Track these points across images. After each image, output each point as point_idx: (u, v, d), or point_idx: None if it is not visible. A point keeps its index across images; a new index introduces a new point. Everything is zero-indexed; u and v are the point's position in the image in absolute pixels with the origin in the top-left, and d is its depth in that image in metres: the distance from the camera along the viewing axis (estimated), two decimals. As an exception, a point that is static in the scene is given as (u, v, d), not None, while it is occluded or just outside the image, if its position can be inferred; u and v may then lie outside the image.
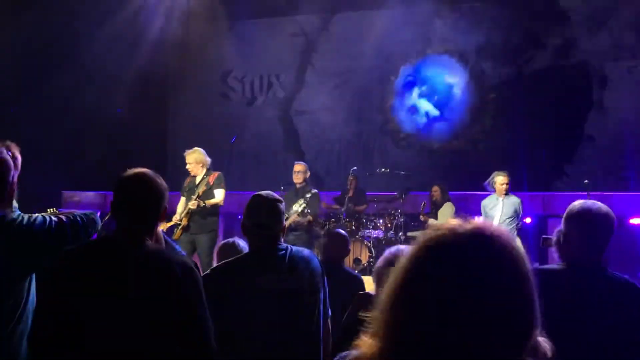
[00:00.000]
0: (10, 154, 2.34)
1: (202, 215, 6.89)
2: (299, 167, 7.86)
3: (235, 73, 12.10)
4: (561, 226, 2.50)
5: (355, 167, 8.80)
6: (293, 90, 11.80)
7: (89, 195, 10.04)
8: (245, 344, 2.69)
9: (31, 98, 9.42)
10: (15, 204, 6.70)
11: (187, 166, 7.10)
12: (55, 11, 9.40)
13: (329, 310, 2.98)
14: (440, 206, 8.33)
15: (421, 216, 8.34)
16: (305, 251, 2.95)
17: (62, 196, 10.15)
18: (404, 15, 10.88)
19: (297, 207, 7.05)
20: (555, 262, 2.55)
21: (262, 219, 2.81)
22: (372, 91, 11.30)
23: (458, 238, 1.06)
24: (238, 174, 10.30)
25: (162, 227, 3.00)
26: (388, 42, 11.04)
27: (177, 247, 2.76)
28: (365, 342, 1.12)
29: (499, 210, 7.23)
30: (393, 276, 1.11)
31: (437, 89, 10.97)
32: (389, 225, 8.57)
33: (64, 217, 2.37)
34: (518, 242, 1.17)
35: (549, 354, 1.07)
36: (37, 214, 2.37)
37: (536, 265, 2.56)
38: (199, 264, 6.39)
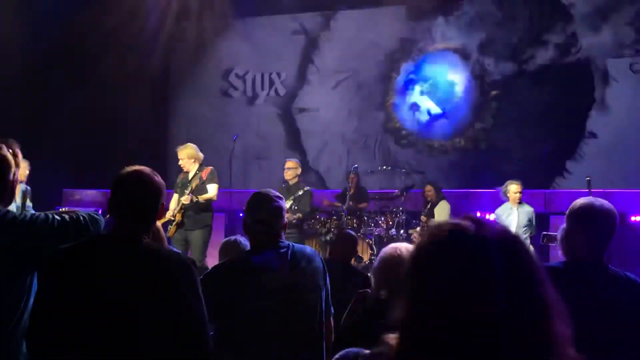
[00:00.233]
0: (11, 151, 2.34)
1: (196, 210, 6.84)
2: (289, 164, 7.82)
3: (236, 71, 12.09)
4: (564, 223, 2.50)
5: (356, 165, 8.79)
6: (294, 88, 11.79)
7: (90, 194, 10.04)
8: (247, 341, 2.69)
9: (32, 97, 9.42)
10: (29, 203, 6.70)
11: (180, 162, 7.06)
12: (54, 11, 9.39)
13: (332, 308, 2.98)
14: (435, 205, 8.26)
15: (422, 217, 8.27)
16: (307, 248, 2.95)
17: (63, 194, 10.16)
18: (405, 13, 10.87)
19: (286, 205, 7.03)
20: (558, 260, 2.55)
21: (263, 216, 2.81)
22: (373, 89, 11.29)
23: (464, 236, 1.06)
24: (239, 171, 10.31)
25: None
26: (389, 39, 11.04)
27: (173, 248, 2.77)
28: (386, 340, 1.11)
29: (514, 219, 7.17)
30: (404, 273, 1.10)
31: (439, 87, 10.96)
32: (391, 222, 8.57)
33: (66, 216, 2.36)
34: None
35: None
36: (39, 212, 2.36)
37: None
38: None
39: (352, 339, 2.57)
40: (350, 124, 11.32)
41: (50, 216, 2.32)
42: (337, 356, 1.26)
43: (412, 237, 8.18)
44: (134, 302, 2.03)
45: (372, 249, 8.32)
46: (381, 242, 8.36)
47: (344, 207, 8.41)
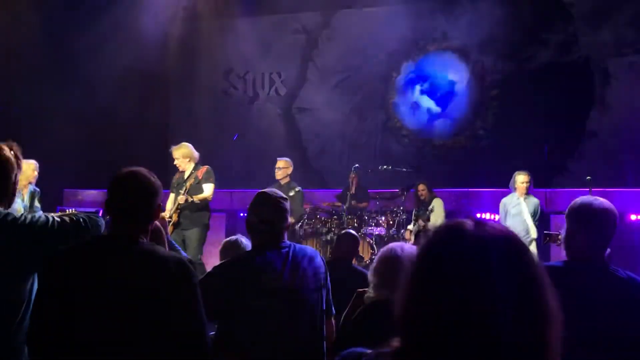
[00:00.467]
0: (12, 152, 2.34)
1: (192, 210, 6.79)
2: (280, 163, 7.70)
3: (237, 71, 12.10)
4: (565, 222, 2.50)
5: (357, 164, 8.79)
6: (295, 88, 11.80)
7: (91, 194, 10.05)
8: (248, 341, 2.70)
9: (32, 98, 9.42)
10: (37, 204, 6.69)
11: (175, 162, 7.02)
12: (55, 10, 9.40)
13: (333, 308, 2.99)
14: (428, 204, 8.16)
15: (420, 221, 8.10)
16: (308, 248, 2.96)
17: (64, 194, 10.17)
18: (406, 12, 10.87)
19: None
20: (559, 259, 2.55)
21: (267, 216, 2.82)
22: (373, 88, 11.29)
23: (463, 235, 1.06)
24: (240, 171, 10.31)
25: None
26: (390, 38, 11.03)
27: (176, 245, 2.77)
28: (389, 341, 1.11)
29: (524, 209, 7.17)
30: (405, 274, 1.11)
31: (439, 86, 10.96)
32: (391, 222, 8.56)
33: (66, 218, 2.37)
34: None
35: None
36: (40, 214, 2.37)
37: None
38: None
39: (352, 338, 2.58)
40: (351, 124, 11.32)
41: (51, 218, 2.33)
42: (340, 356, 1.26)
43: (404, 236, 8.14)
44: (132, 302, 2.04)
45: (372, 248, 8.32)
46: (382, 241, 8.35)
47: (345, 207, 8.41)
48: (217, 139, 10.86)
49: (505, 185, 7.61)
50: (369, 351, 1.19)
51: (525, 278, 1.04)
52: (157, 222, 2.34)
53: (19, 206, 6.45)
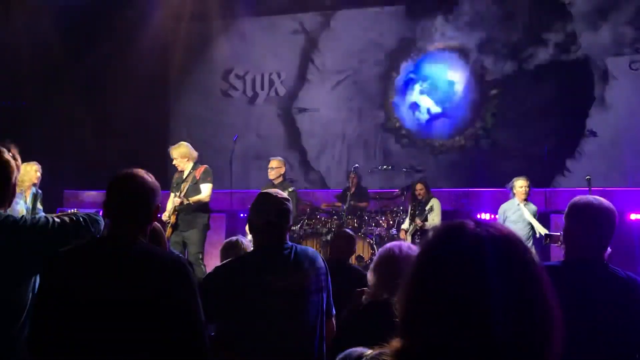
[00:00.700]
0: (11, 154, 2.35)
1: (191, 211, 6.67)
2: (273, 162, 7.56)
3: (236, 71, 12.09)
4: (563, 221, 2.50)
5: (357, 164, 8.79)
6: (294, 88, 11.80)
7: (91, 195, 10.05)
8: (249, 342, 2.70)
9: (33, 99, 9.43)
10: (39, 206, 6.68)
11: (174, 161, 6.92)
12: (55, 13, 9.40)
13: (333, 309, 2.99)
14: (425, 204, 7.99)
15: (417, 220, 7.98)
16: (309, 249, 2.96)
17: (64, 195, 10.17)
18: (405, 12, 10.87)
19: None
20: (559, 259, 2.55)
21: (272, 217, 2.81)
22: (373, 88, 11.29)
23: (461, 233, 1.07)
24: (240, 172, 10.30)
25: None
26: (389, 38, 11.04)
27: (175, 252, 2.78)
28: (388, 341, 1.12)
29: (526, 214, 7.16)
30: (405, 274, 1.11)
31: (439, 86, 10.96)
32: (391, 222, 8.56)
33: (66, 218, 2.37)
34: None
35: None
36: (40, 216, 2.38)
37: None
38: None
39: (351, 338, 2.58)
40: (351, 124, 11.33)
41: (51, 220, 2.33)
42: (340, 356, 1.27)
43: (399, 236, 8.09)
44: (131, 303, 2.04)
45: (372, 248, 8.32)
46: (382, 241, 8.35)
47: (345, 207, 8.41)
48: (216, 139, 10.86)
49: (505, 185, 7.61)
50: (368, 351, 1.19)
51: (525, 277, 1.05)
52: (156, 223, 2.34)
53: (21, 208, 6.44)
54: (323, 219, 8.75)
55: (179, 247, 6.62)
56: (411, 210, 8.12)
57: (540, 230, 7.08)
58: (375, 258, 2.86)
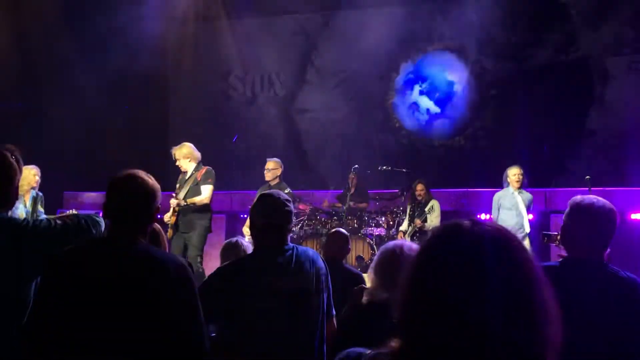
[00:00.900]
0: (14, 157, 2.36)
1: (192, 212, 6.60)
2: (269, 164, 7.53)
3: (236, 72, 12.09)
4: (563, 221, 2.49)
5: (356, 165, 8.78)
6: (294, 89, 11.80)
7: (91, 196, 10.04)
8: (250, 343, 2.70)
9: (32, 100, 9.43)
10: (41, 209, 6.67)
11: (176, 162, 6.87)
12: (54, 14, 9.40)
13: (333, 310, 2.99)
14: (425, 204, 7.90)
15: (417, 220, 7.91)
16: (310, 250, 2.96)
17: (64, 197, 10.17)
18: (404, 12, 10.87)
19: None
20: (555, 259, 2.55)
21: (276, 220, 2.82)
22: (373, 89, 11.29)
23: (473, 236, 1.07)
24: (240, 173, 10.31)
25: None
26: (388, 39, 11.04)
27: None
28: (387, 341, 1.12)
29: (521, 204, 7.17)
30: (404, 275, 1.11)
31: (438, 86, 10.97)
32: (391, 222, 8.56)
33: (67, 220, 2.38)
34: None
35: None
36: (42, 218, 2.39)
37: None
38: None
39: (351, 338, 2.58)
40: (350, 124, 11.32)
41: (52, 222, 2.34)
42: (339, 356, 1.27)
43: (397, 237, 8.07)
44: (130, 304, 2.05)
45: (372, 249, 8.32)
46: (382, 242, 8.34)
47: (345, 208, 8.41)
48: (216, 140, 10.86)
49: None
50: (367, 351, 1.19)
51: (522, 276, 1.05)
52: (156, 224, 2.34)
53: (21, 212, 6.43)
54: (323, 219, 8.75)
55: (181, 247, 6.56)
56: (410, 211, 8.10)
57: (526, 226, 7.09)
58: (375, 258, 2.85)
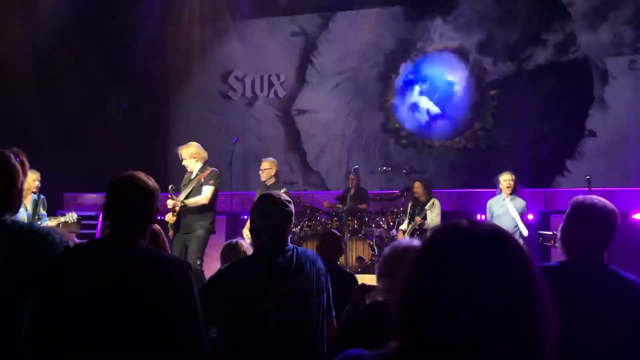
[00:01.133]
0: (19, 160, 2.35)
1: (191, 213, 6.49)
2: (264, 164, 7.47)
3: (235, 73, 12.10)
4: (563, 221, 2.49)
5: (356, 166, 8.78)
6: (294, 90, 11.80)
7: (91, 197, 10.05)
8: (251, 344, 2.70)
9: (33, 100, 9.43)
10: (43, 211, 6.64)
11: (182, 162, 6.77)
12: (54, 15, 9.40)
13: (333, 310, 2.98)
14: (425, 203, 7.83)
15: (417, 218, 7.83)
16: (309, 251, 2.95)
17: (64, 198, 10.16)
18: (404, 13, 10.88)
19: None
20: (558, 259, 2.54)
21: (277, 221, 2.81)
22: (372, 89, 11.30)
23: (470, 235, 1.07)
24: (240, 174, 10.31)
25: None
26: (388, 40, 11.05)
27: None
28: (388, 343, 1.12)
29: (512, 210, 7.16)
30: (404, 276, 1.11)
31: (438, 87, 10.97)
32: (391, 223, 8.56)
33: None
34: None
35: None
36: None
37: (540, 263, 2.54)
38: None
39: (352, 338, 2.56)
40: (350, 125, 11.33)
41: (57, 237, 2.34)
42: (338, 357, 1.26)
43: (397, 236, 8.07)
44: (130, 305, 2.05)
45: (373, 249, 8.32)
46: (382, 242, 8.35)
47: (345, 208, 8.41)
48: (216, 141, 10.86)
49: None
50: (366, 352, 1.19)
51: (520, 275, 1.05)
52: (156, 225, 2.34)
53: (22, 215, 6.43)
54: (323, 220, 8.75)
55: (180, 252, 6.44)
56: (410, 209, 8.09)
57: (523, 229, 7.08)
58: (385, 257, 2.72)
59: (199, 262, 6.38)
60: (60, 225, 6.35)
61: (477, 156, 10.39)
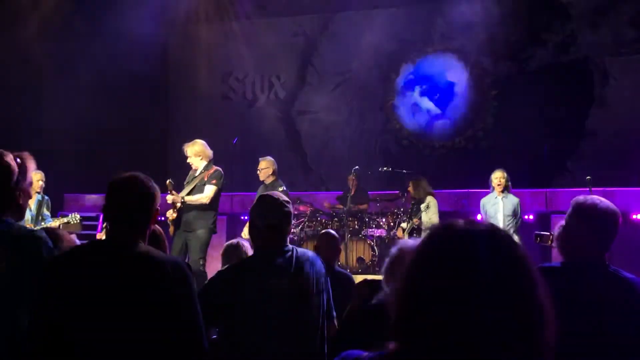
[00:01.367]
0: (19, 160, 2.34)
1: (193, 212, 6.43)
2: (261, 164, 7.45)
3: (236, 74, 12.10)
4: (564, 221, 2.49)
5: (357, 166, 8.78)
6: (294, 91, 11.81)
7: (92, 198, 10.05)
8: (251, 345, 2.70)
9: (33, 102, 9.43)
10: (47, 212, 6.61)
11: (187, 159, 6.71)
12: (55, 16, 9.41)
13: (334, 311, 2.98)
14: (420, 202, 7.78)
15: (414, 218, 7.84)
16: (309, 252, 2.95)
17: (64, 199, 10.17)
18: (404, 14, 10.88)
19: None
20: (559, 260, 2.54)
21: (275, 222, 2.81)
22: (373, 90, 11.30)
23: (467, 235, 1.07)
24: (240, 175, 10.31)
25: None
26: (388, 40, 11.04)
27: None
28: (388, 343, 1.12)
29: (500, 208, 7.16)
30: (401, 276, 1.11)
31: (438, 87, 10.97)
32: (392, 223, 8.56)
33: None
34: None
35: None
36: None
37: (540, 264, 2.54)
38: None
39: (353, 338, 2.55)
40: (351, 126, 11.33)
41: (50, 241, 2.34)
42: (337, 358, 1.26)
43: (397, 234, 8.08)
44: (129, 306, 2.05)
45: (373, 250, 8.32)
46: (382, 243, 8.36)
47: (345, 209, 8.41)
48: (216, 142, 10.82)
49: None
50: (365, 353, 1.19)
51: (518, 274, 1.05)
52: (156, 226, 2.34)
53: (26, 215, 6.43)
54: (324, 220, 8.75)
55: (180, 250, 6.40)
56: (409, 209, 8.12)
57: (512, 229, 7.03)
58: (392, 257, 2.69)
59: (201, 263, 6.33)
60: (61, 226, 6.35)
61: (478, 156, 10.38)
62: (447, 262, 1.05)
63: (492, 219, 7.01)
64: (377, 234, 8.48)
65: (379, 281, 2.80)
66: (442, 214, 7.91)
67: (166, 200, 6.31)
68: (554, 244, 2.55)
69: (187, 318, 2.11)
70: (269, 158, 7.61)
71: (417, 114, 11.08)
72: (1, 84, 8.90)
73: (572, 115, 10.06)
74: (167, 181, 6.47)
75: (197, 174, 6.66)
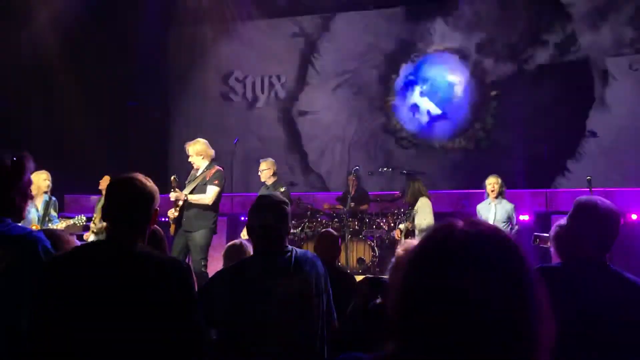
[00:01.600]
0: (18, 162, 2.33)
1: (194, 211, 6.42)
2: (262, 165, 7.53)
3: (236, 74, 12.10)
4: (566, 221, 2.49)
5: (357, 167, 8.78)
6: (294, 91, 11.81)
7: (93, 199, 10.03)
8: (251, 346, 2.70)
9: (32, 102, 9.43)
10: (53, 212, 6.59)
11: (189, 158, 6.70)
12: (55, 16, 9.41)
13: (334, 312, 2.98)
14: (411, 204, 7.56)
15: (407, 223, 7.62)
16: (309, 253, 2.95)
17: (65, 200, 10.16)
18: (404, 14, 10.88)
19: None
20: (556, 261, 2.54)
21: (270, 222, 2.81)
22: (373, 90, 11.30)
23: (466, 234, 1.07)
24: (241, 175, 10.31)
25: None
26: (388, 41, 11.05)
27: None
28: (386, 344, 1.12)
29: (492, 214, 7.11)
30: (398, 274, 1.11)
31: (438, 87, 10.97)
32: (392, 224, 8.56)
33: None
34: None
35: None
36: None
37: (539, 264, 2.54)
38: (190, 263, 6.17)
39: (358, 328, 2.54)
40: (351, 126, 11.33)
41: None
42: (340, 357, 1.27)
43: (395, 235, 8.05)
44: (128, 307, 2.05)
45: (373, 250, 8.32)
46: (382, 243, 8.35)
47: (345, 209, 8.41)
48: (217, 142, 10.82)
49: (505, 185, 7.58)
50: (365, 356, 1.19)
51: (516, 274, 1.05)
52: (157, 227, 2.34)
53: (33, 216, 6.42)
54: (324, 221, 8.75)
55: (181, 249, 6.41)
56: (407, 211, 8.08)
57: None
58: (392, 266, 2.69)
59: (203, 263, 6.32)
60: (64, 227, 6.35)
61: (478, 157, 10.38)
62: (445, 262, 1.05)
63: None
64: (377, 235, 8.48)
65: (381, 279, 2.81)
66: (442, 214, 7.87)
67: (169, 198, 6.31)
68: (549, 244, 2.55)
69: (187, 318, 2.11)
70: (270, 159, 7.66)
71: (417, 115, 11.08)
72: (4, 85, 8.90)
73: (572, 115, 10.06)
74: (172, 177, 6.48)
75: (198, 174, 6.65)
